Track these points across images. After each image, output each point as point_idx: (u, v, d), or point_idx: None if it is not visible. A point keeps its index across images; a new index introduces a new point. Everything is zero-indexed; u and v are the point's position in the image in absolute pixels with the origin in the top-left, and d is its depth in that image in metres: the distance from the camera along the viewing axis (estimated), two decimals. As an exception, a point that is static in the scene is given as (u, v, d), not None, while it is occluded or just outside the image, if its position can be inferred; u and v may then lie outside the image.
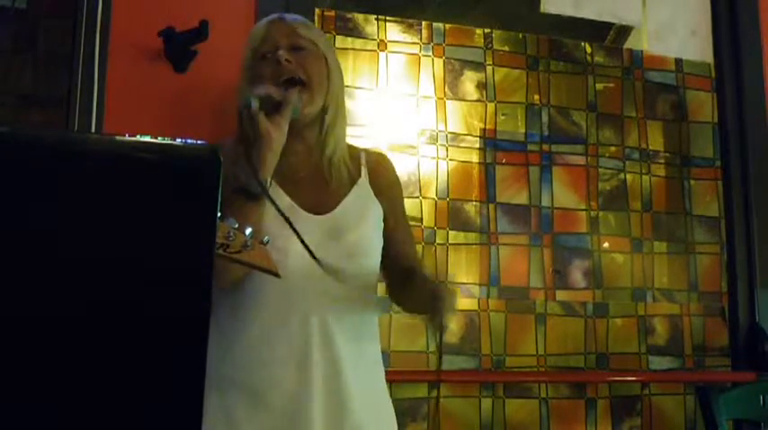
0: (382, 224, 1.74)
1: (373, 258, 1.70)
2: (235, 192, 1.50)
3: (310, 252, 1.44)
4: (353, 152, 1.80)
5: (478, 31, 2.64)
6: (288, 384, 1.58)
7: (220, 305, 1.59)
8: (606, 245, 2.66)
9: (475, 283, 2.49)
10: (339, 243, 1.64)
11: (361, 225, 1.69)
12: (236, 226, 1.32)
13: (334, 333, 1.61)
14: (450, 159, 2.53)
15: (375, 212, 1.74)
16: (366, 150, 1.84)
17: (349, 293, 1.65)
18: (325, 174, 1.72)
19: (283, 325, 1.59)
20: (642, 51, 2.80)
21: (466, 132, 2.56)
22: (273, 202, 1.44)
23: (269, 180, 1.56)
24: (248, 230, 1.33)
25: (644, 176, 2.73)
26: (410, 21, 2.57)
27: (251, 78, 1.71)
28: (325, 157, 1.73)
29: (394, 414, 1.75)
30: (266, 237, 1.37)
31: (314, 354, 1.59)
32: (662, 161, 2.77)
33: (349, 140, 1.83)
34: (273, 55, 1.70)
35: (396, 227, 1.78)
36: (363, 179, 1.76)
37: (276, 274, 1.42)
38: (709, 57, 2.86)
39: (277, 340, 1.59)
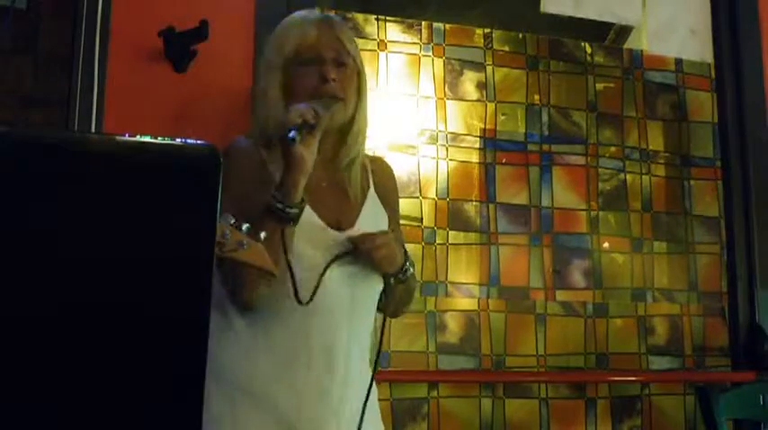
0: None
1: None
2: (268, 214, 1.49)
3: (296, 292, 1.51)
4: (363, 161, 1.79)
5: (478, 31, 2.64)
6: (306, 400, 1.58)
7: (239, 317, 1.60)
8: (606, 245, 2.66)
9: (475, 283, 2.49)
10: (359, 259, 1.64)
11: None
12: (233, 222, 1.29)
13: (352, 356, 1.62)
14: (450, 159, 2.53)
15: (385, 222, 1.75)
16: (370, 158, 1.83)
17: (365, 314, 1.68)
18: (344, 184, 1.71)
19: (304, 344, 1.59)
20: (642, 51, 2.80)
21: (466, 132, 2.56)
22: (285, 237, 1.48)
23: (302, 202, 1.55)
24: (245, 226, 1.30)
25: (644, 176, 2.73)
26: (410, 21, 2.57)
27: (288, 85, 1.66)
28: (345, 169, 1.71)
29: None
30: (262, 233, 1.35)
31: (337, 370, 1.59)
32: (662, 161, 2.77)
33: None
34: (319, 67, 1.65)
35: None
36: (372, 189, 1.76)
37: (271, 273, 1.41)
38: (709, 57, 2.86)
39: (294, 354, 1.59)
